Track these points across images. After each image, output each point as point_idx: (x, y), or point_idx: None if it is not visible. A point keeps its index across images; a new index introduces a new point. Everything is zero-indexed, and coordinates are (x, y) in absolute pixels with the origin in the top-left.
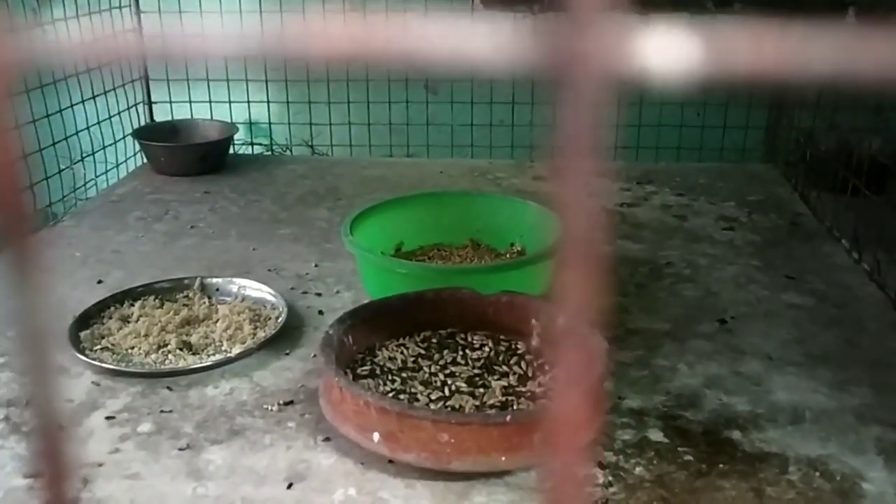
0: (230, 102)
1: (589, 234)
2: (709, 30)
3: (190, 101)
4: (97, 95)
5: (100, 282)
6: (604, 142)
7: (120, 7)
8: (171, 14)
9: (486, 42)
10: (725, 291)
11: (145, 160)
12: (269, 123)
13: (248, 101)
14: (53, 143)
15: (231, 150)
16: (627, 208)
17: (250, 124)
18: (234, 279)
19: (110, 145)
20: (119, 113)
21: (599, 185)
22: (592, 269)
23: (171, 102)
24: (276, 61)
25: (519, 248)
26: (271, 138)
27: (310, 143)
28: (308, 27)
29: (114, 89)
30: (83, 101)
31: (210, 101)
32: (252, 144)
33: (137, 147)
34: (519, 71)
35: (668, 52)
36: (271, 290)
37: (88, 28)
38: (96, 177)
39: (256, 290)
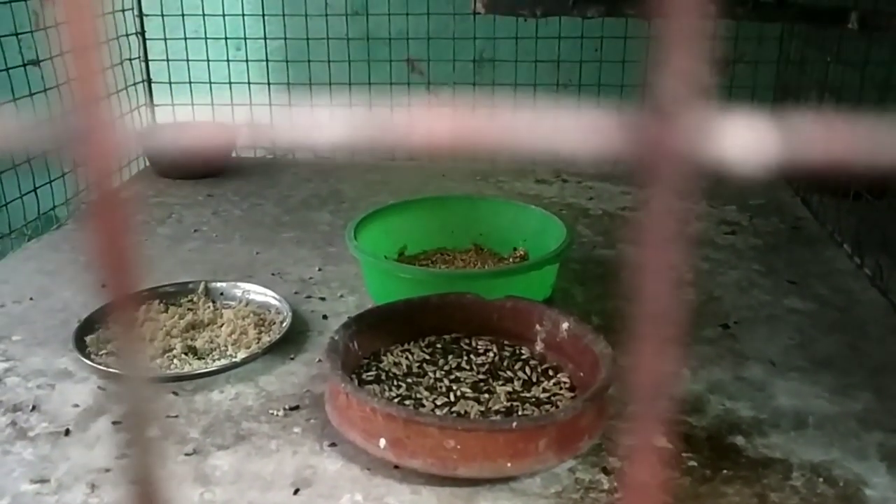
0: (233, 105)
1: (668, 316)
2: (784, 121)
3: (192, 104)
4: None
5: (104, 286)
6: (687, 229)
7: (123, 10)
8: (173, 17)
9: (576, 134)
10: (728, 296)
11: (148, 163)
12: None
13: (251, 104)
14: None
15: (233, 154)
16: (630, 212)
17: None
18: (239, 283)
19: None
20: (122, 116)
21: (680, 270)
22: (668, 349)
23: (173, 105)
24: (381, 151)
25: (522, 253)
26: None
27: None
28: (410, 118)
29: (117, 92)
30: None
31: (212, 104)
32: (255, 147)
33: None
34: (606, 160)
35: (747, 142)
36: (275, 295)
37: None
38: None
39: (261, 294)
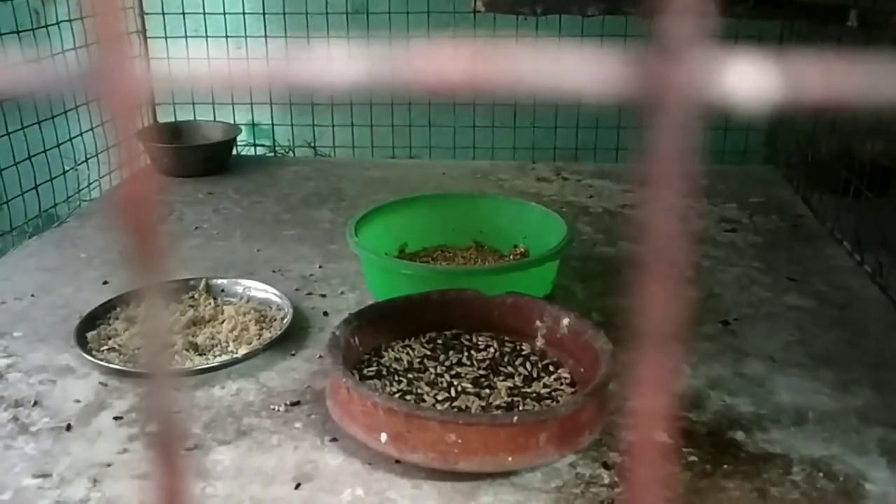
0: (233, 104)
1: (674, 252)
2: (785, 61)
3: (193, 103)
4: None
5: (105, 283)
6: (692, 164)
7: (123, 8)
8: (174, 16)
9: (586, 72)
10: (728, 293)
11: (148, 161)
12: (272, 125)
13: (252, 103)
14: (58, 145)
15: (234, 152)
16: (630, 210)
17: (253, 125)
18: (239, 280)
19: (114, 146)
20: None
21: (685, 204)
22: (674, 284)
23: (174, 104)
24: (385, 91)
25: (522, 250)
26: (274, 139)
27: (312, 145)
28: (418, 57)
29: None
30: (87, 103)
31: (213, 103)
32: (255, 146)
33: (141, 148)
34: (614, 98)
35: (749, 81)
36: (276, 291)
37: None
38: (100, 178)
39: (262, 291)
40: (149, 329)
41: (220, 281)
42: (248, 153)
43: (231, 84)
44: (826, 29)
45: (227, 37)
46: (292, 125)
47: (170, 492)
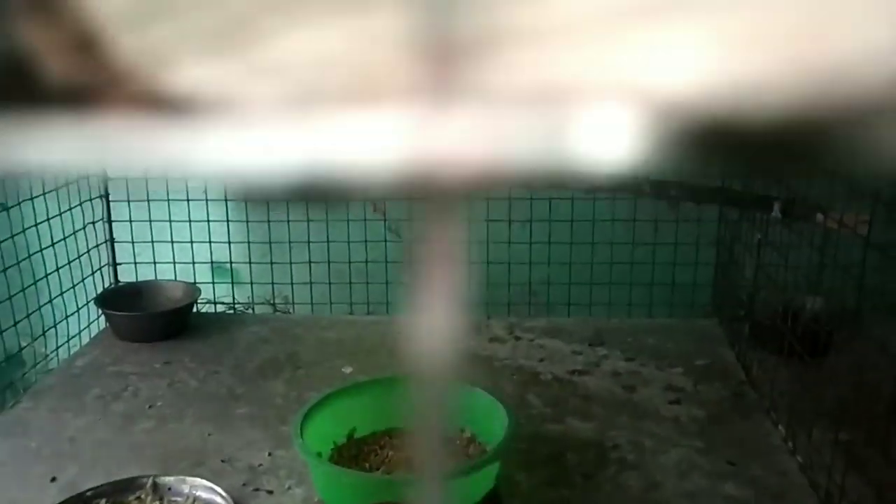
0: (194, 263)
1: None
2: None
3: (154, 262)
4: (61, 267)
5: (53, 479)
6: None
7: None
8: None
9: None
10: (668, 481)
11: (108, 324)
12: (232, 283)
13: (212, 263)
14: (14, 324)
15: (194, 309)
16: (579, 376)
17: (213, 283)
18: (186, 479)
19: (73, 314)
20: (83, 280)
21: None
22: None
23: (135, 263)
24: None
25: (469, 435)
26: (234, 297)
27: (272, 302)
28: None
29: (78, 257)
30: (46, 276)
31: (174, 262)
32: (215, 304)
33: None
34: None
35: None
36: (222, 492)
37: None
38: (57, 347)
39: (207, 490)
40: None
41: (167, 479)
42: (209, 310)
43: None
44: (754, 216)
45: (188, 200)
46: (251, 283)
47: None
